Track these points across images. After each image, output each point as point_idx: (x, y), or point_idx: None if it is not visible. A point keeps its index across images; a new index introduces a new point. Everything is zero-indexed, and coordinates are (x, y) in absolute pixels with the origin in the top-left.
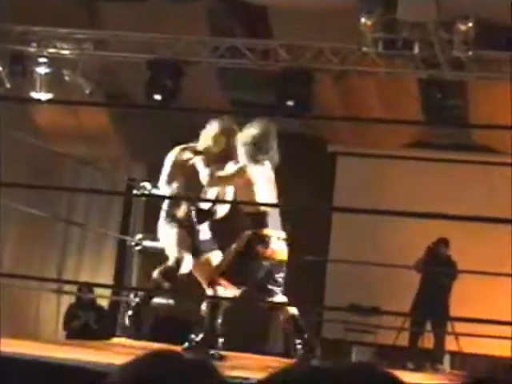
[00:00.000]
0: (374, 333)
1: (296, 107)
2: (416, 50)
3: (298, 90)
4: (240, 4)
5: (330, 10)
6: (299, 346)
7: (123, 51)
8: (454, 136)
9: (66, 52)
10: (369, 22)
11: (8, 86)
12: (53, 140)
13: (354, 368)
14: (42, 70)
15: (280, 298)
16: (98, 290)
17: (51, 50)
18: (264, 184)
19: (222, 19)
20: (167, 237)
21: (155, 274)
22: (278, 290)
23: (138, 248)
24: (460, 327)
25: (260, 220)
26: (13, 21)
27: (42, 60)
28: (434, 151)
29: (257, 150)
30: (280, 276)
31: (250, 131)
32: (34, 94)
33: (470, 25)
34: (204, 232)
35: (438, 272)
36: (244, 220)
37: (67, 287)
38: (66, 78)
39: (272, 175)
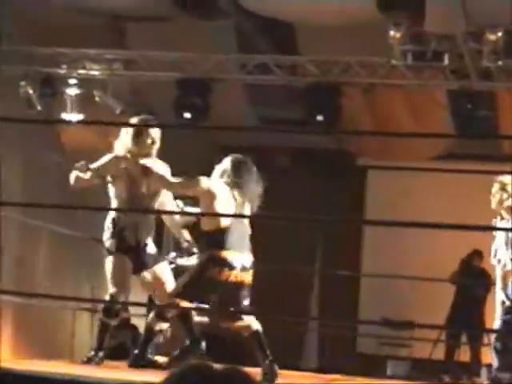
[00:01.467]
0: (409, 346)
1: (325, 122)
2: (445, 61)
3: (327, 105)
4: (267, 20)
5: (356, 24)
6: (265, 363)
7: (152, 71)
8: (484, 147)
9: (96, 73)
10: (397, 35)
11: (39, 108)
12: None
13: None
14: (72, 91)
15: (244, 320)
16: (133, 310)
17: (81, 71)
18: (227, 201)
19: (249, 36)
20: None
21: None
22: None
23: (171, 266)
24: None
25: (218, 239)
26: (42, 43)
27: (72, 81)
28: (465, 162)
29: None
30: (243, 298)
31: (221, 166)
32: (65, 116)
33: (500, 34)
34: (150, 246)
35: (473, 284)
36: (202, 238)
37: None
38: (97, 99)
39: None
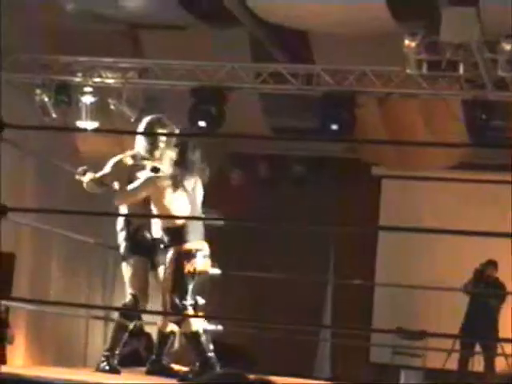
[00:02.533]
0: (422, 356)
1: (340, 131)
2: (460, 70)
3: (342, 114)
4: (281, 29)
5: (372, 33)
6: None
7: (167, 79)
8: (499, 157)
9: (111, 81)
10: (412, 44)
11: (54, 115)
12: (98, 168)
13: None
14: (87, 99)
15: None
16: (146, 317)
17: (96, 80)
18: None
19: (264, 45)
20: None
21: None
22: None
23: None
24: (510, 349)
25: (181, 233)
26: (57, 52)
27: (87, 89)
28: (480, 172)
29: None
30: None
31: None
32: (80, 124)
33: None
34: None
35: (487, 294)
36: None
37: (115, 314)
38: (112, 107)
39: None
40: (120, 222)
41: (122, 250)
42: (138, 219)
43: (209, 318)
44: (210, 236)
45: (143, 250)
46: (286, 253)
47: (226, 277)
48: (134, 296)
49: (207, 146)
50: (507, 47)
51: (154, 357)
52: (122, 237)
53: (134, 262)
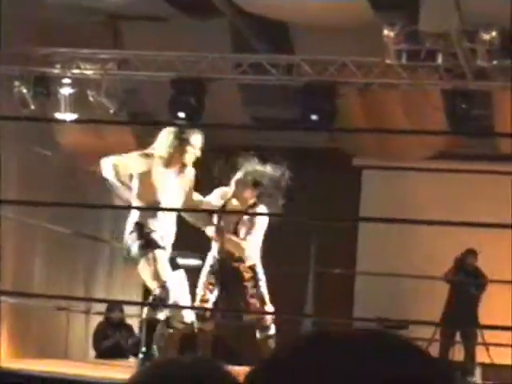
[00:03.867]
0: None
1: (320, 121)
2: (439, 60)
3: (322, 105)
4: (261, 20)
5: (351, 23)
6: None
7: (146, 70)
8: (479, 146)
9: (90, 72)
10: (391, 34)
11: (32, 107)
12: (77, 160)
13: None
14: (66, 90)
15: None
16: (128, 309)
17: (75, 71)
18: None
19: (244, 36)
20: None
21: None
22: None
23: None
24: (491, 338)
25: None
26: (36, 43)
27: (65, 81)
28: (460, 162)
29: None
30: None
31: None
32: (59, 115)
33: (494, 34)
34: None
35: (467, 283)
36: None
37: (97, 306)
38: (90, 99)
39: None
40: (130, 226)
41: (135, 249)
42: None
43: (189, 308)
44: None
45: (157, 243)
46: (267, 243)
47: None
48: (163, 287)
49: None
50: (486, 37)
51: (144, 348)
52: (132, 238)
53: (156, 255)
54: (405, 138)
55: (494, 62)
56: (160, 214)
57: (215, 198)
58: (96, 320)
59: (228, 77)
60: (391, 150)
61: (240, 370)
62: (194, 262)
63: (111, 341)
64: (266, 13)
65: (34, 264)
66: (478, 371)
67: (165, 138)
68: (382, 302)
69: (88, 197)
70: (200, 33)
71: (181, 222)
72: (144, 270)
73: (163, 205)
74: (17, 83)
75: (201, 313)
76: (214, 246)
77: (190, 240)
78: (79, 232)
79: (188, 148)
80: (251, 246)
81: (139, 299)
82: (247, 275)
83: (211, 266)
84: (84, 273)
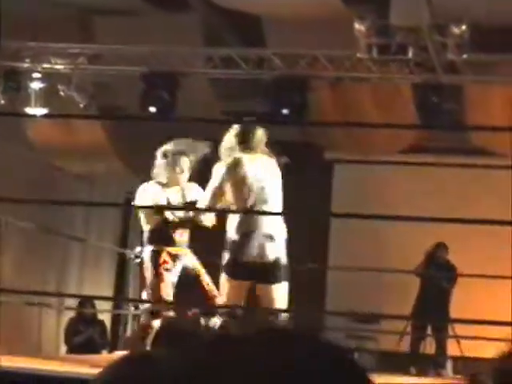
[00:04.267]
0: (375, 339)
1: (291, 115)
2: (410, 54)
3: (293, 98)
4: (233, 13)
5: (323, 17)
6: None
7: (117, 65)
8: (451, 140)
9: (60, 67)
10: (362, 28)
11: (2, 102)
12: (48, 155)
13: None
14: (36, 85)
15: None
16: (99, 305)
17: (45, 65)
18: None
19: (216, 29)
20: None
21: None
22: None
23: (137, 261)
24: (462, 331)
25: None
26: (6, 37)
27: (36, 75)
28: (432, 156)
29: None
30: None
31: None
32: (29, 110)
33: (464, 28)
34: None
35: (438, 276)
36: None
37: (69, 302)
38: (61, 93)
39: None
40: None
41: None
42: None
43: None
44: None
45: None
46: None
47: None
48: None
49: (161, 132)
50: (456, 31)
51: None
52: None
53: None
54: (376, 132)
55: (464, 56)
56: None
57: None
58: (68, 316)
59: (198, 71)
60: (362, 143)
61: None
62: None
63: (83, 336)
64: (238, 6)
65: (5, 261)
66: (449, 364)
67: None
68: (354, 296)
69: (60, 193)
70: (171, 27)
71: None
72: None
73: None
74: None
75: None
76: None
77: None
78: (51, 229)
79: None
80: None
81: (110, 295)
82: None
83: None
84: (56, 269)
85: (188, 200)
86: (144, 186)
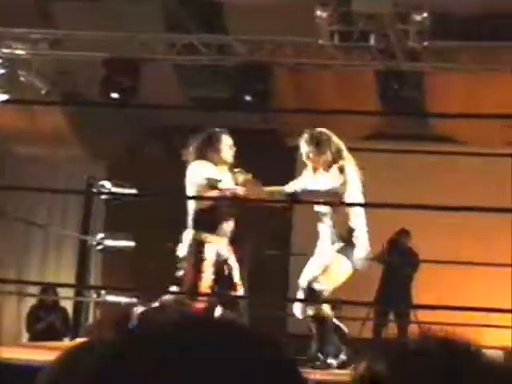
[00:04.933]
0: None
1: (254, 102)
2: (372, 41)
3: (256, 85)
4: (195, 0)
5: (285, 3)
6: None
7: (78, 50)
8: (412, 127)
9: (21, 52)
10: (324, 15)
11: None
12: (10, 141)
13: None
14: None
15: None
16: (61, 292)
17: (5, 51)
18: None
19: (177, 16)
20: None
21: None
22: None
23: (99, 247)
24: (424, 317)
25: None
26: None
27: None
28: (393, 142)
29: None
30: None
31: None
32: None
33: (425, 15)
34: None
35: (400, 262)
36: None
37: (30, 289)
38: (22, 79)
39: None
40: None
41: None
42: None
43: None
44: None
45: None
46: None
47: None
48: None
49: (123, 119)
50: (417, 18)
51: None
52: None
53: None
54: (338, 118)
55: (425, 43)
56: None
57: None
58: (29, 303)
59: (160, 57)
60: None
61: None
62: None
63: (44, 323)
64: None
65: None
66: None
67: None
68: None
69: (20, 179)
70: (133, 13)
71: None
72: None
73: None
74: None
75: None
76: None
77: None
78: (13, 215)
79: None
80: None
81: (72, 282)
82: None
83: None
84: (16, 256)
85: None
86: (195, 164)
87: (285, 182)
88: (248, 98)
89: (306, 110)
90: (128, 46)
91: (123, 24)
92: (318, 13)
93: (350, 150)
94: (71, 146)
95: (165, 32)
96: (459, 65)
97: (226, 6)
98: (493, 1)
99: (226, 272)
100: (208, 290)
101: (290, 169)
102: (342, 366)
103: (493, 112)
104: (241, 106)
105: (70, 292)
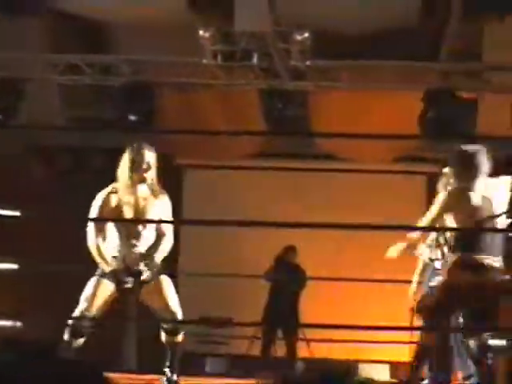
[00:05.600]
0: (226, 344)
1: (139, 122)
2: (255, 60)
3: (141, 105)
4: (79, 20)
5: (169, 23)
6: None
7: None
8: (296, 145)
9: None
10: (207, 35)
11: None
12: None
13: None
14: None
15: None
16: None
17: None
18: None
19: (61, 35)
20: None
21: None
22: None
23: None
24: (313, 334)
25: None
26: None
27: None
28: (278, 160)
29: None
30: None
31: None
32: None
33: (306, 35)
34: None
35: (287, 280)
36: None
37: None
38: None
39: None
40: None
41: None
42: None
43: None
44: None
45: None
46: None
47: None
48: None
49: (4, 138)
50: (299, 38)
51: None
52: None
53: None
54: (225, 137)
55: (307, 62)
56: None
57: None
58: None
59: (41, 77)
60: (212, 148)
61: None
62: None
63: None
64: (83, 12)
65: None
66: (299, 366)
67: None
68: (206, 302)
69: None
70: (13, 32)
71: None
72: None
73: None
74: None
75: None
76: None
77: None
78: None
79: None
80: None
81: None
82: None
83: None
84: None
85: None
86: None
87: (173, 201)
88: (133, 117)
89: (191, 131)
90: (8, 66)
91: (3, 43)
92: (201, 33)
93: (236, 168)
94: None
95: (48, 52)
96: (341, 83)
97: (110, 26)
98: (372, 20)
99: None
100: None
101: (179, 187)
102: None
103: (376, 128)
104: (124, 125)
105: None
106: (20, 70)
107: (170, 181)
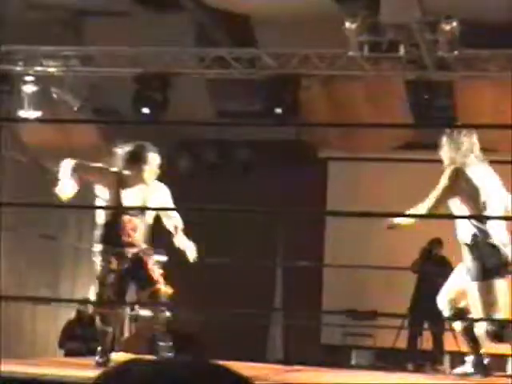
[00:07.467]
0: (372, 336)
1: (284, 114)
2: (401, 51)
3: (286, 97)
4: (223, 14)
5: (313, 16)
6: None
7: (109, 66)
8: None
9: (53, 69)
10: (353, 26)
11: None
12: (42, 158)
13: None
14: (28, 88)
15: None
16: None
17: (38, 68)
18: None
19: (207, 29)
20: None
21: None
22: None
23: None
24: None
25: None
26: None
27: (28, 78)
28: (425, 152)
29: None
30: None
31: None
32: (22, 113)
33: (454, 24)
34: None
35: (434, 272)
36: None
37: (64, 304)
38: (54, 96)
39: None
40: None
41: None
42: None
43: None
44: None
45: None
46: (235, 238)
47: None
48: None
49: (154, 134)
50: (447, 28)
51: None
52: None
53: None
54: (370, 129)
55: (455, 53)
56: None
57: None
58: (64, 318)
59: (190, 71)
60: (356, 141)
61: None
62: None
63: (79, 339)
64: (229, 6)
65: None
66: (446, 359)
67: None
68: (351, 294)
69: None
70: (162, 27)
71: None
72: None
73: None
74: None
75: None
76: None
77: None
78: (43, 234)
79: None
80: None
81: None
82: None
83: None
84: (50, 274)
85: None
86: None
87: (317, 193)
88: (278, 110)
89: (334, 124)
90: (158, 61)
91: (153, 39)
92: (347, 24)
93: (382, 160)
94: (104, 160)
95: (194, 46)
96: (489, 73)
97: (255, 19)
98: None
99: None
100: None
101: (323, 180)
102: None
103: None
104: (271, 118)
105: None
106: (168, 64)
107: (314, 173)
